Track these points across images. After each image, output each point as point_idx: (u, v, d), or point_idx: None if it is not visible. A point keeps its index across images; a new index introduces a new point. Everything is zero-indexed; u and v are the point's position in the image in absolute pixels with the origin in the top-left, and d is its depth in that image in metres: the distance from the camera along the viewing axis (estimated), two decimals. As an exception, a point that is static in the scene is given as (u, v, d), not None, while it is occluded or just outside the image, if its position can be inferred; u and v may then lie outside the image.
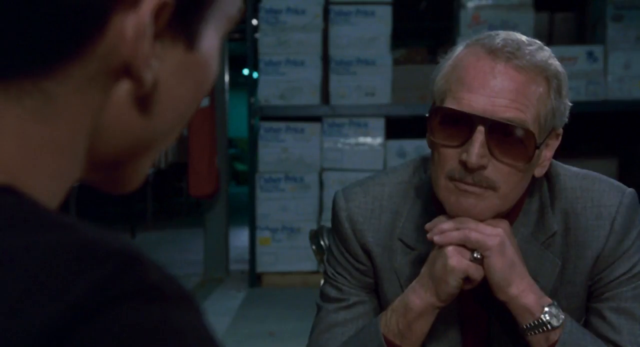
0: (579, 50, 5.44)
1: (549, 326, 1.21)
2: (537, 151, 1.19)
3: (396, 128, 5.56)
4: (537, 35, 1.28)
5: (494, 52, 1.18)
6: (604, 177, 1.33)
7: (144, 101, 0.45)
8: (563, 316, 1.22)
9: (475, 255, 1.21)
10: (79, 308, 0.35)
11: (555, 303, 1.23)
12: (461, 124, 1.18)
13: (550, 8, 5.79)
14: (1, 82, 0.41)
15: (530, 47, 1.20)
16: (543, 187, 1.31)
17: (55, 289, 0.36)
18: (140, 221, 9.23)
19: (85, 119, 0.44)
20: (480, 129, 1.16)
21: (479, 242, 1.19)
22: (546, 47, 1.24)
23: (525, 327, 1.22)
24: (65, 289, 0.36)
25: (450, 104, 1.19)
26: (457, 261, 1.20)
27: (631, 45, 5.44)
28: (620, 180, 1.33)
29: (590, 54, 5.43)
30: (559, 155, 1.30)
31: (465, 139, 1.18)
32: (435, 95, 1.23)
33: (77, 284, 0.36)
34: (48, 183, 0.43)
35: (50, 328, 0.35)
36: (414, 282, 1.26)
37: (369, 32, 5.54)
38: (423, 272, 1.25)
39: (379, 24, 5.55)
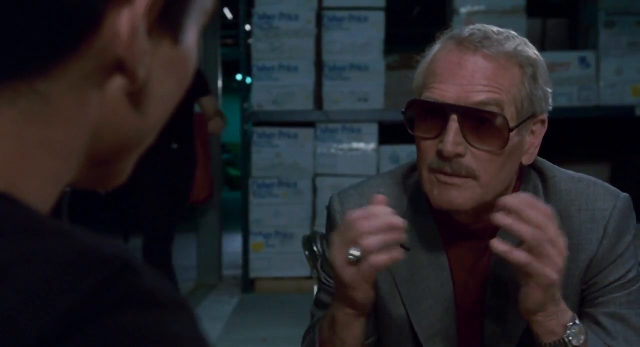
0: (571, 56, 5.45)
1: (570, 346, 1.19)
2: (510, 134, 1.19)
3: (389, 133, 5.56)
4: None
5: (461, 42, 1.21)
6: (599, 181, 1.33)
7: (136, 97, 0.45)
8: (583, 336, 1.19)
9: (350, 256, 1.13)
10: (73, 315, 0.35)
11: (578, 321, 1.19)
12: (436, 115, 1.20)
13: (542, 14, 5.81)
14: None
15: (498, 36, 1.22)
16: (538, 188, 1.31)
17: (50, 297, 0.35)
18: (132, 226, 9.20)
19: (81, 118, 0.43)
20: (454, 117, 1.18)
21: (540, 270, 1.11)
22: (518, 36, 1.25)
23: (545, 344, 1.20)
24: (59, 296, 0.35)
25: (424, 97, 1.22)
26: (336, 254, 1.15)
27: (623, 51, 5.45)
28: (612, 186, 1.33)
29: (582, 60, 5.44)
30: (551, 160, 1.30)
31: (441, 130, 1.20)
32: (415, 92, 1.26)
33: (71, 292, 0.36)
34: (43, 186, 0.43)
35: (45, 336, 0.34)
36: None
37: (362, 38, 5.55)
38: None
39: (372, 29, 5.56)
